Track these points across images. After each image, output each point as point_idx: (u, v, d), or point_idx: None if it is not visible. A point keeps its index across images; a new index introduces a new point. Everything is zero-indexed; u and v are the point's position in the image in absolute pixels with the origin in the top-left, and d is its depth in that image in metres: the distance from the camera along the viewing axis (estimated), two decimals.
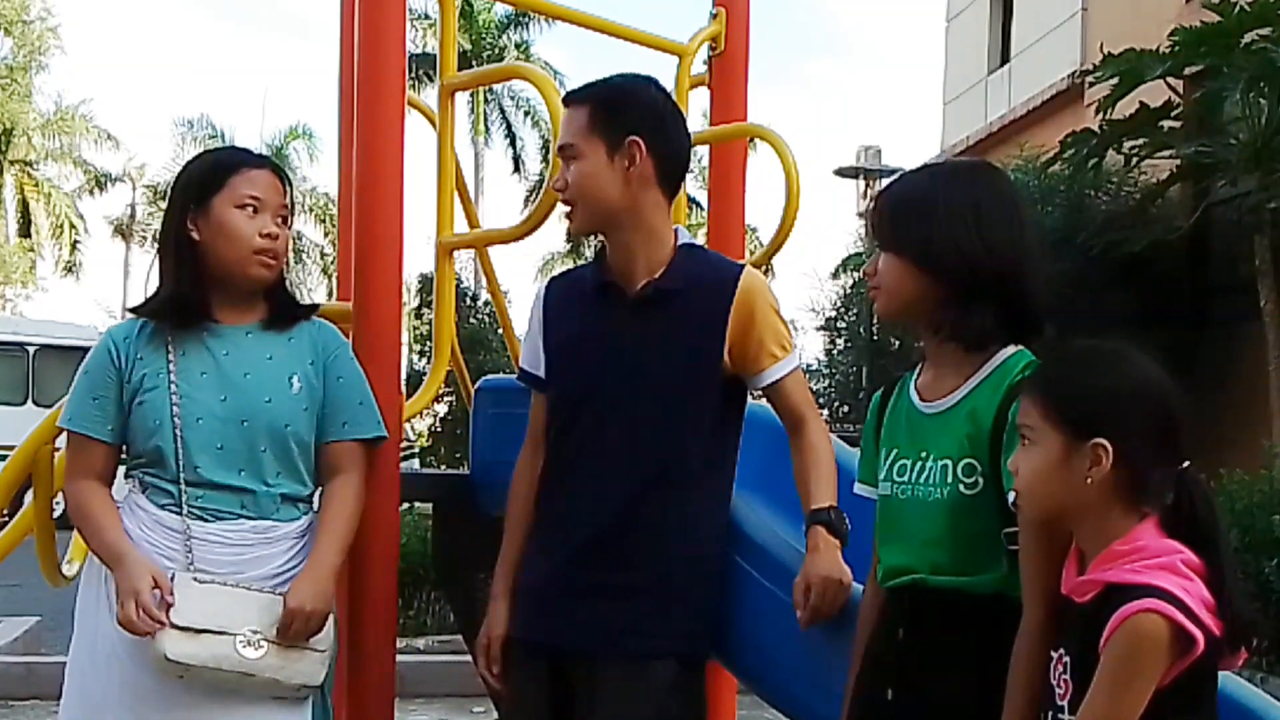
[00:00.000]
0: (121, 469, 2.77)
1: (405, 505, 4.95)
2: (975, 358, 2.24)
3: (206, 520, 2.65)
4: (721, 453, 2.76)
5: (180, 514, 2.64)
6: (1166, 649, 1.83)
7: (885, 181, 2.32)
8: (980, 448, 2.17)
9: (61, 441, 3.11)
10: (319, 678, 2.64)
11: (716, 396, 2.71)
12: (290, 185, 2.83)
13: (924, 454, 2.25)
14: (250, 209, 2.70)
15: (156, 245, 2.85)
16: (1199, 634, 1.83)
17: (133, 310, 2.79)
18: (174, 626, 2.51)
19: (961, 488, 2.18)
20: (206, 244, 2.71)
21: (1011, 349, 2.24)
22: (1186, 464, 1.97)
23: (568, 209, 2.74)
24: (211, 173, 2.75)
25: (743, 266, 2.79)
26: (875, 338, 16.48)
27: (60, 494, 3.17)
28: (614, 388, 2.68)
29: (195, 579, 2.58)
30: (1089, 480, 1.94)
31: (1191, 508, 1.95)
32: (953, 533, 2.19)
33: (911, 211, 2.27)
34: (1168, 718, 1.86)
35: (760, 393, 2.76)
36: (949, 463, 2.20)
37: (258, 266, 2.72)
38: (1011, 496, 2.09)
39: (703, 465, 2.71)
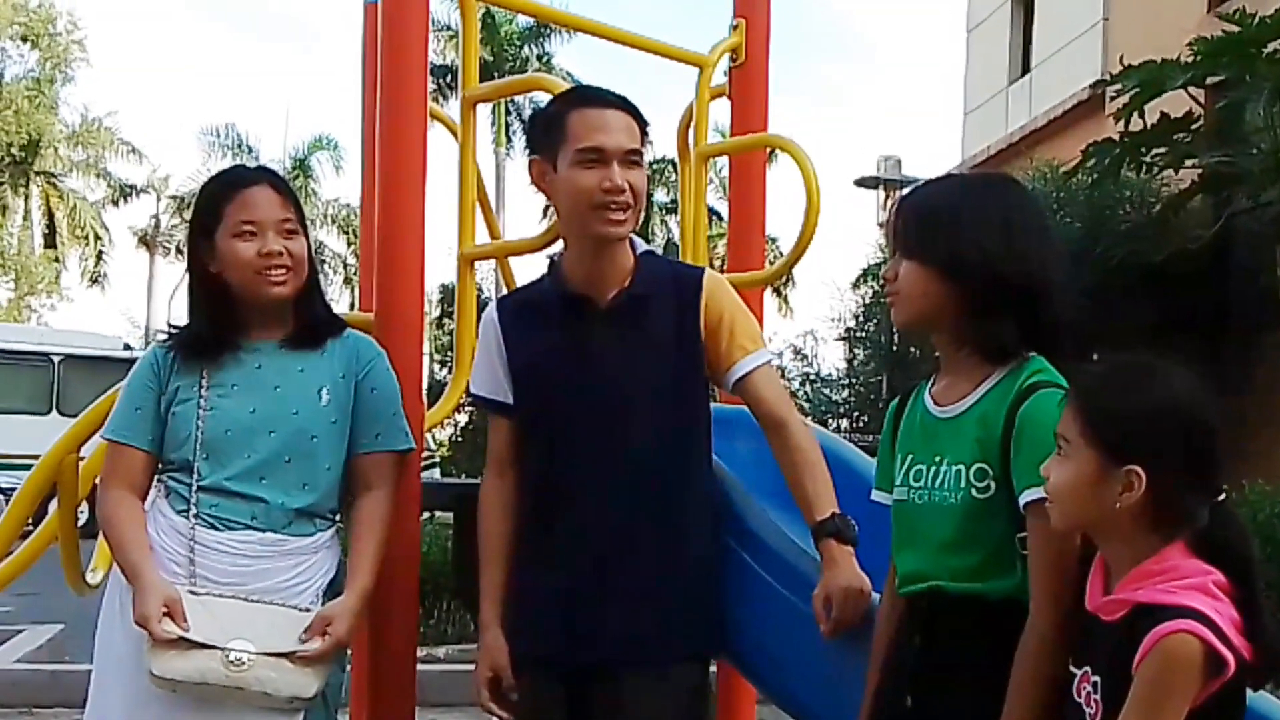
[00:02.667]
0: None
1: (426, 515, 4.96)
2: (990, 365, 2.25)
3: (216, 529, 2.67)
4: (707, 447, 2.79)
5: (189, 519, 2.67)
6: (1200, 670, 1.82)
7: (905, 191, 2.31)
8: (991, 452, 2.17)
9: (86, 451, 3.15)
10: (311, 690, 2.63)
11: (702, 394, 2.77)
12: (292, 195, 2.83)
13: (938, 459, 2.25)
14: (248, 233, 2.72)
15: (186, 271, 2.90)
16: (1230, 656, 1.82)
17: (166, 340, 2.83)
18: (162, 642, 2.53)
19: (974, 492, 2.18)
20: (222, 275, 2.76)
21: (1025, 356, 2.24)
22: (1223, 495, 1.95)
23: (625, 214, 2.67)
24: (208, 206, 2.79)
25: (703, 269, 2.85)
26: (896, 347, 16.46)
27: (85, 502, 3.20)
28: (602, 398, 2.68)
29: (191, 592, 2.60)
30: (1118, 505, 1.93)
31: (1224, 532, 1.93)
32: (968, 537, 2.19)
33: (939, 220, 2.27)
34: None
35: (732, 391, 2.77)
36: (962, 467, 2.20)
37: (268, 285, 2.74)
38: (1022, 500, 2.10)
39: (696, 462, 2.74)
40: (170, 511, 2.70)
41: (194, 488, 2.68)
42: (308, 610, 2.68)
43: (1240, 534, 1.95)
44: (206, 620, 2.57)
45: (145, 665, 2.55)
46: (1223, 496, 1.96)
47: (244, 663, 2.55)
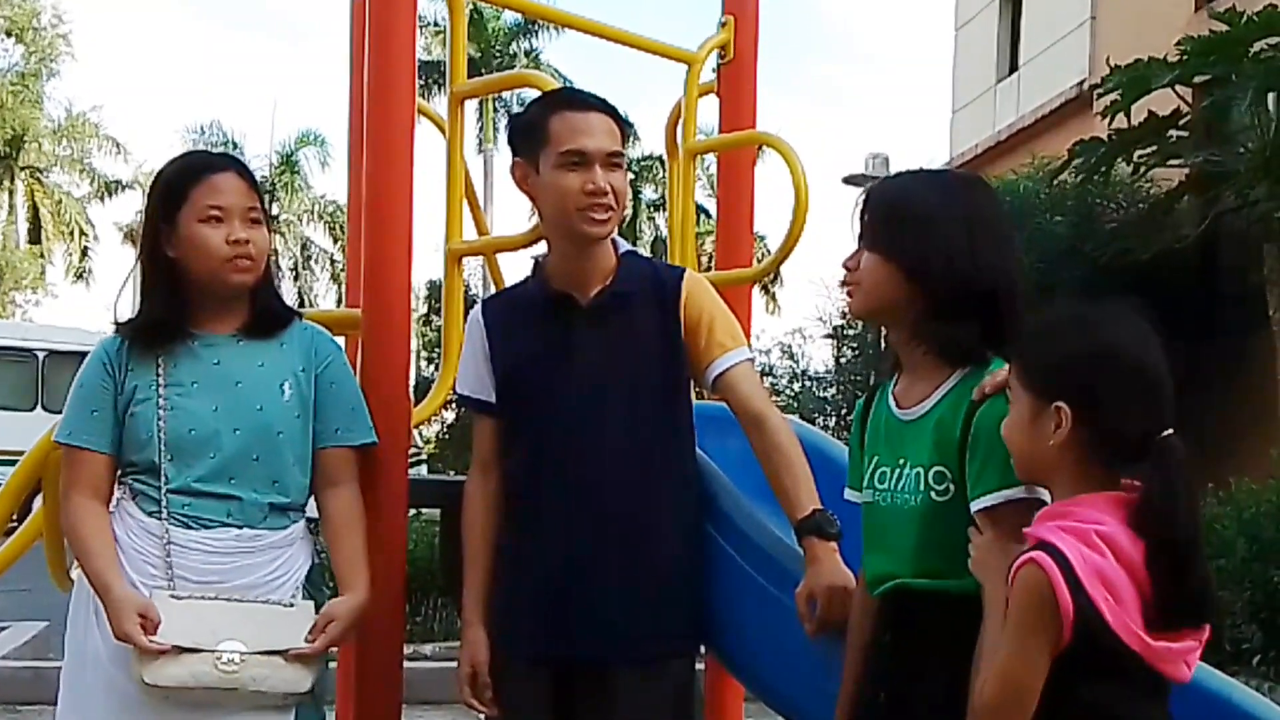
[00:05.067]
0: None
1: (413, 511, 4.94)
2: (949, 366, 2.24)
3: (191, 528, 2.63)
4: (691, 443, 2.82)
5: (161, 520, 2.63)
6: (1052, 607, 1.84)
7: (874, 182, 2.28)
8: (949, 456, 2.17)
9: None
10: (305, 685, 2.63)
11: (684, 391, 2.80)
12: (256, 183, 2.78)
13: (901, 461, 2.25)
14: (214, 219, 2.66)
15: (137, 259, 2.81)
16: (1068, 601, 1.83)
17: (116, 329, 2.77)
18: (150, 650, 2.51)
19: (933, 495, 2.18)
20: (181, 259, 2.70)
21: (986, 358, 2.22)
22: (1169, 432, 1.94)
23: (608, 215, 2.70)
24: (172, 188, 2.71)
25: (684, 269, 2.89)
26: (884, 346, 16.46)
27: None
28: (583, 395, 2.70)
29: (173, 596, 2.58)
30: (1051, 442, 1.96)
31: (1161, 504, 1.91)
32: (929, 540, 2.19)
33: (907, 216, 2.25)
34: (1071, 685, 1.89)
35: (712, 389, 2.78)
36: (921, 470, 2.20)
37: (233, 273, 2.69)
38: (973, 507, 2.11)
39: (679, 459, 2.77)
40: (139, 513, 2.66)
41: (163, 490, 2.63)
42: (291, 605, 2.66)
43: (1167, 491, 1.91)
44: (193, 624, 2.55)
45: (135, 674, 2.52)
46: (1168, 432, 1.94)
47: (236, 663, 2.54)
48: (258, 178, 2.87)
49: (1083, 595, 1.84)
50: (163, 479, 2.64)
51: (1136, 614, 1.87)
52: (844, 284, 2.34)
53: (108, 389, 2.69)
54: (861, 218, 2.33)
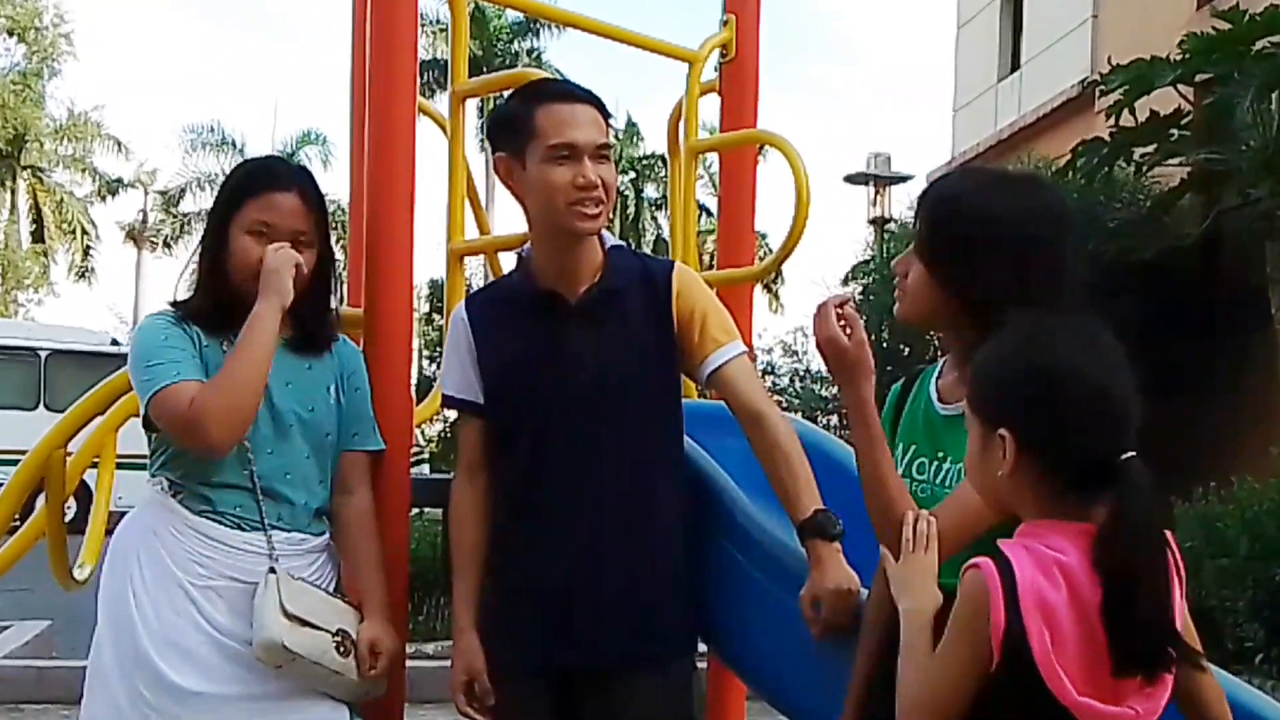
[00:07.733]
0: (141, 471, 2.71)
1: (415, 510, 4.95)
2: None
3: (242, 529, 2.62)
4: (682, 438, 2.79)
5: (221, 523, 2.61)
6: (984, 611, 1.75)
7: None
8: None
9: (74, 446, 3.12)
10: (381, 688, 2.73)
11: (675, 387, 2.77)
12: (320, 206, 2.74)
13: (941, 455, 2.21)
14: (259, 233, 2.63)
15: (199, 246, 2.78)
16: (1001, 617, 1.73)
17: (172, 305, 2.72)
18: (285, 615, 2.54)
19: None
20: (225, 262, 2.67)
21: None
22: (1130, 455, 1.81)
23: (598, 209, 2.66)
24: (234, 192, 2.70)
25: (673, 262, 2.84)
26: (885, 344, 16.44)
27: (71, 498, 3.17)
28: (577, 394, 2.66)
29: (294, 576, 2.62)
30: (1001, 472, 1.87)
31: (1115, 536, 1.77)
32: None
33: (955, 239, 2.17)
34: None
35: (707, 385, 2.76)
36: (964, 469, 2.10)
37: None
38: None
39: (673, 455, 2.74)
40: (186, 511, 2.61)
41: (220, 486, 2.61)
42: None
43: (1127, 541, 1.76)
44: (312, 605, 2.61)
45: (266, 638, 2.52)
46: (1128, 456, 1.80)
47: (348, 646, 2.63)
48: None
49: (1017, 618, 1.73)
50: (220, 473, 2.61)
51: (1078, 662, 1.74)
52: (895, 287, 2.28)
53: (192, 340, 2.64)
54: (917, 227, 2.27)
